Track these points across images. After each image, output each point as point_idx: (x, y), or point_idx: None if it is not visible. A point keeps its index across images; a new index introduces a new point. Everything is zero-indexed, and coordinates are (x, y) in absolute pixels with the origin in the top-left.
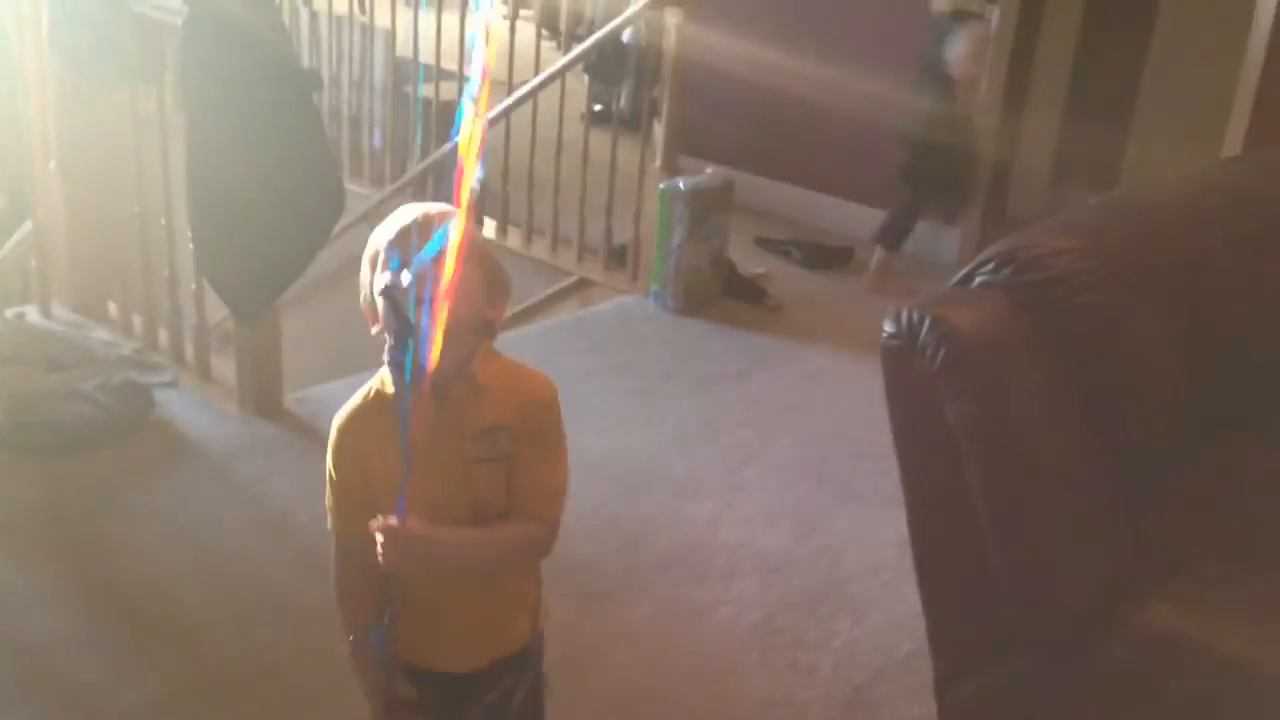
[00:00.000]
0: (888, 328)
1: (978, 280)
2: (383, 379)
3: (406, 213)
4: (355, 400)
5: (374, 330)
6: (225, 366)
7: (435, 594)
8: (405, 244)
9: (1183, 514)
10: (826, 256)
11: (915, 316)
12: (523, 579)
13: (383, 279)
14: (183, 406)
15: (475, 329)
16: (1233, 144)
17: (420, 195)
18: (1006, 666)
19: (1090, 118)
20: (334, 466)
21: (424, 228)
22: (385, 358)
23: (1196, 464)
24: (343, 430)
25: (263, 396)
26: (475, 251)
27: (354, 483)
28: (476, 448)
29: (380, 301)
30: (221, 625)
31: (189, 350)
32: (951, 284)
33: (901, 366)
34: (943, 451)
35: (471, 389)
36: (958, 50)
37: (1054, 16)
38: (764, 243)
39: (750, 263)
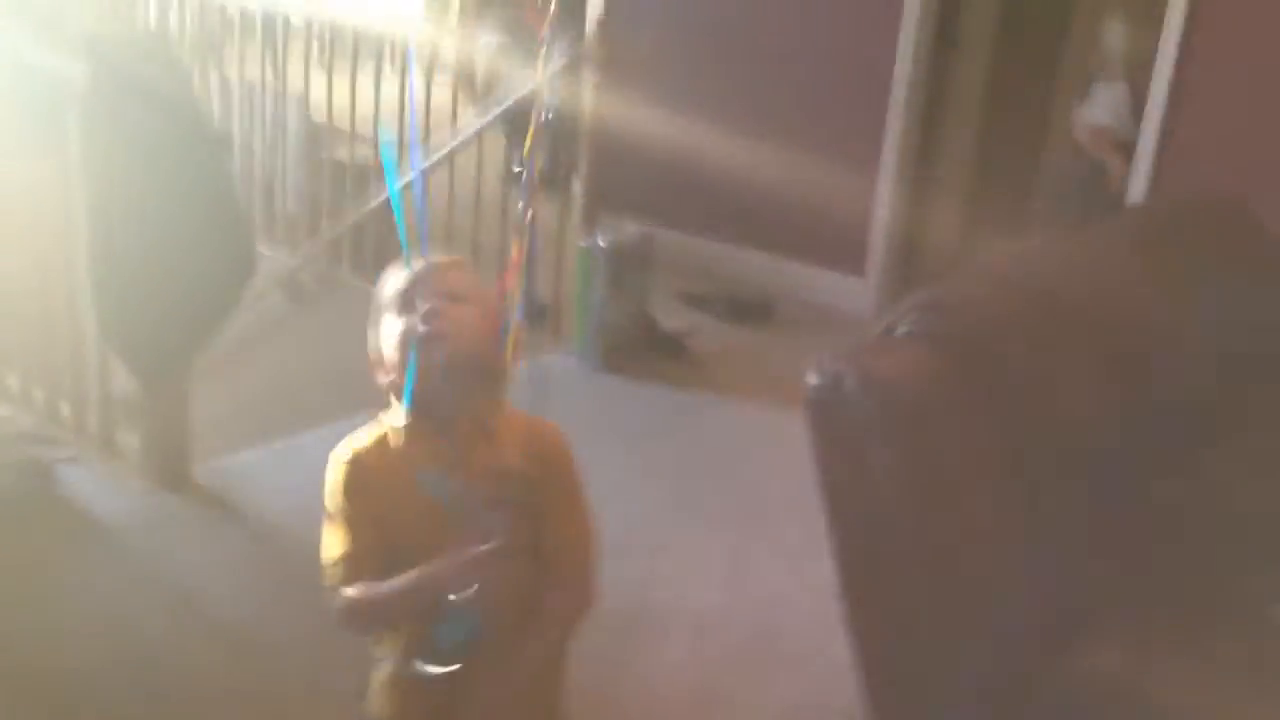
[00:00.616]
0: (812, 379)
1: (901, 330)
2: (389, 427)
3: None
4: (361, 439)
5: (383, 380)
6: (131, 439)
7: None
8: (420, 286)
9: (1118, 558)
10: (747, 310)
11: (839, 367)
12: (554, 684)
13: (401, 325)
14: (86, 482)
15: (483, 371)
16: (1136, 191)
17: (336, 258)
18: (949, 713)
19: (999, 172)
20: (345, 499)
21: (432, 271)
22: (398, 401)
23: (1131, 507)
24: (353, 464)
25: (170, 468)
26: (486, 298)
27: (365, 517)
28: (493, 492)
29: (396, 351)
30: (132, 714)
31: (92, 423)
32: (875, 334)
33: (827, 418)
34: (871, 502)
35: (483, 435)
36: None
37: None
38: (686, 298)
39: (672, 318)
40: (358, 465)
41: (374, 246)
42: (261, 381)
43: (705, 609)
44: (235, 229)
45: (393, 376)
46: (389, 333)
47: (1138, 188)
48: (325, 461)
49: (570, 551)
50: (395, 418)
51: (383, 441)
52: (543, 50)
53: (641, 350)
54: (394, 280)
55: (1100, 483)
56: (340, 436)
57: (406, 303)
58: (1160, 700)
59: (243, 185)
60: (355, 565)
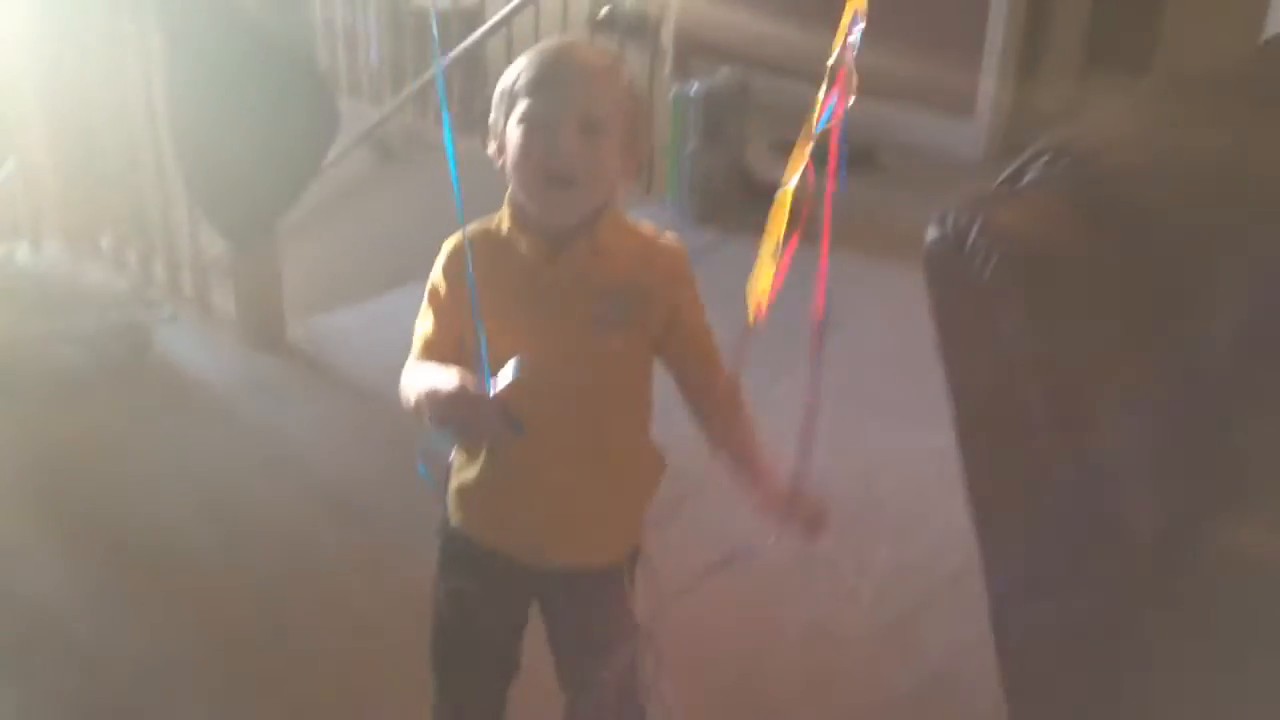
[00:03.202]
0: (932, 232)
1: (1028, 177)
2: (502, 215)
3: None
4: (473, 226)
5: (498, 161)
6: (226, 299)
7: (541, 457)
8: (561, 100)
9: (1260, 433)
10: (848, 157)
11: (963, 219)
12: (648, 471)
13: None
14: (182, 343)
15: (604, 202)
16: (1276, 22)
17: (422, 112)
18: (1073, 594)
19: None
20: (441, 279)
21: (578, 79)
22: (517, 167)
23: (1273, 377)
24: (455, 251)
25: (265, 329)
26: (626, 116)
27: (455, 303)
28: (598, 308)
29: (520, 127)
30: (233, 576)
31: (187, 284)
32: (999, 181)
33: (948, 275)
34: (996, 366)
35: (592, 248)
36: None
37: None
38: (782, 146)
39: (770, 168)
40: (458, 254)
41: (459, 99)
42: (352, 241)
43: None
44: (316, 84)
45: (508, 162)
46: (515, 132)
47: (1278, 18)
48: (415, 320)
49: (708, 344)
50: (510, 205)
51: (495, 229)
52: None
53: (738, 201)
54: (536, 68)
55: (1247, 348)
56: None
57: (542, 116)
58: None
59: (323, 38)
60: (428, 347)
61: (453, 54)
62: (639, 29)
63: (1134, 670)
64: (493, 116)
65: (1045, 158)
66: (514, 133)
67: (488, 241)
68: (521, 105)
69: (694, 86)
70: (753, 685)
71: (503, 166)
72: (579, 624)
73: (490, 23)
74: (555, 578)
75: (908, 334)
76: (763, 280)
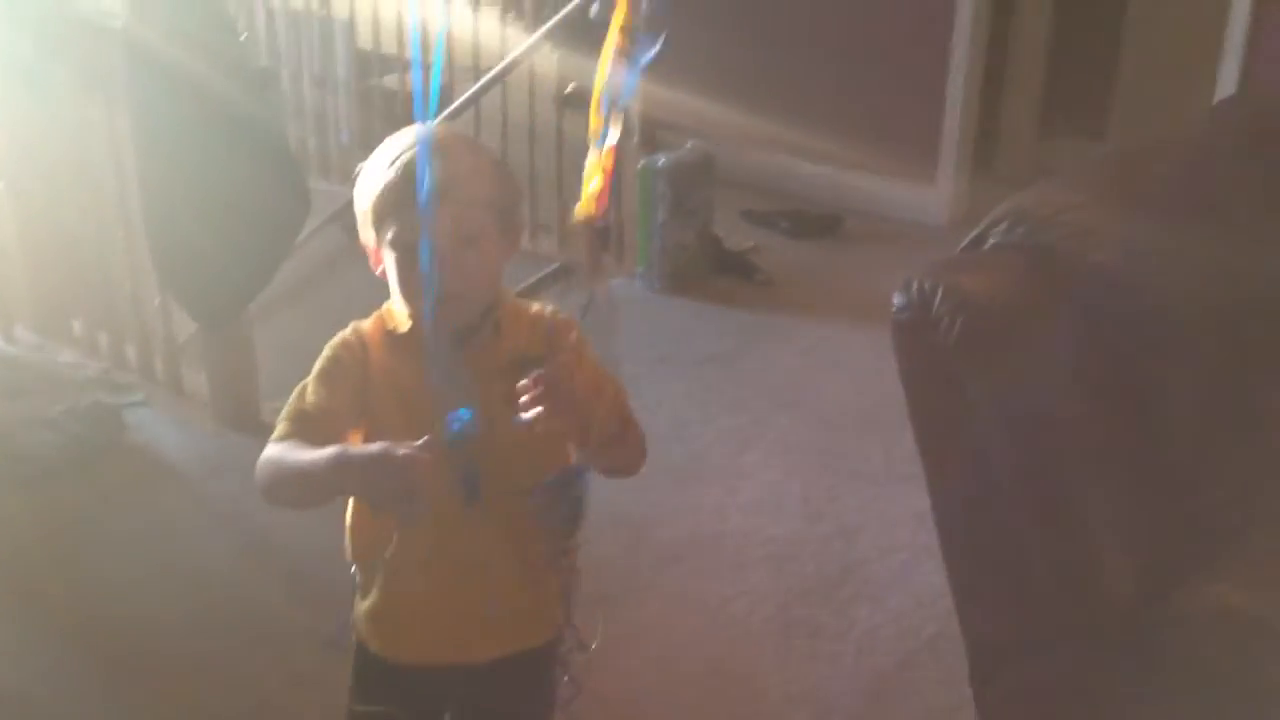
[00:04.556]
0: (897, 300)
1: (990, 242)
2: (383, 317)
3: (390, 153)
4: (362, 325)
5: (377, 270)
6: (198, 381)
7: (460, 543)
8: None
9: (1226, 488)
10: (815, 225)
11: (927, 286)
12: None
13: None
14: (156, 426)
15: (484, 240)
16: (1225, 85)
17: None
18: (1050, 655)
19: (1075, 66)
20: (323, 378)
21: (446, 188)
22: (399, 292)
23: (1238, 432)
24: (343, 346)
25: (239, 410)
26: (495, 186)
27: (344, 388)
28: (505, 388)
29: (393, 253)
30: (210, 659)
31: (159, 366)
32: (961, 248)
33: (915, 341)
34: (966, 428)
35: (493, 329)
36: None
37: None
38: (750, 215)
39: (737, 237)
40: (349, 348)
41: None
42: (324, 318)
43: (783, 538)
44: (286, 165)
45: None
46: (389, 258)
47: (1228, 81)
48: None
49: (615, 395)
50: (396, 306)
51: (392, 331)
52: None
53: (707, 271)
54: (399, 185)
55: (1210, 404)
56: None
57: (414, 242)
58: None
59: (293, 119)
60: (304, 422)
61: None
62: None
63: None
64: (362, 234)
65: (1004, 224)
66: (388, 259)
67: (390, 340)
68: (390, 230)
69: (660, 160)
70: None
71: (377, 268)
72: (505, 713)
73: (458, 102)
74: (481, 674)
75: (880, 397)
76: (591, 179)
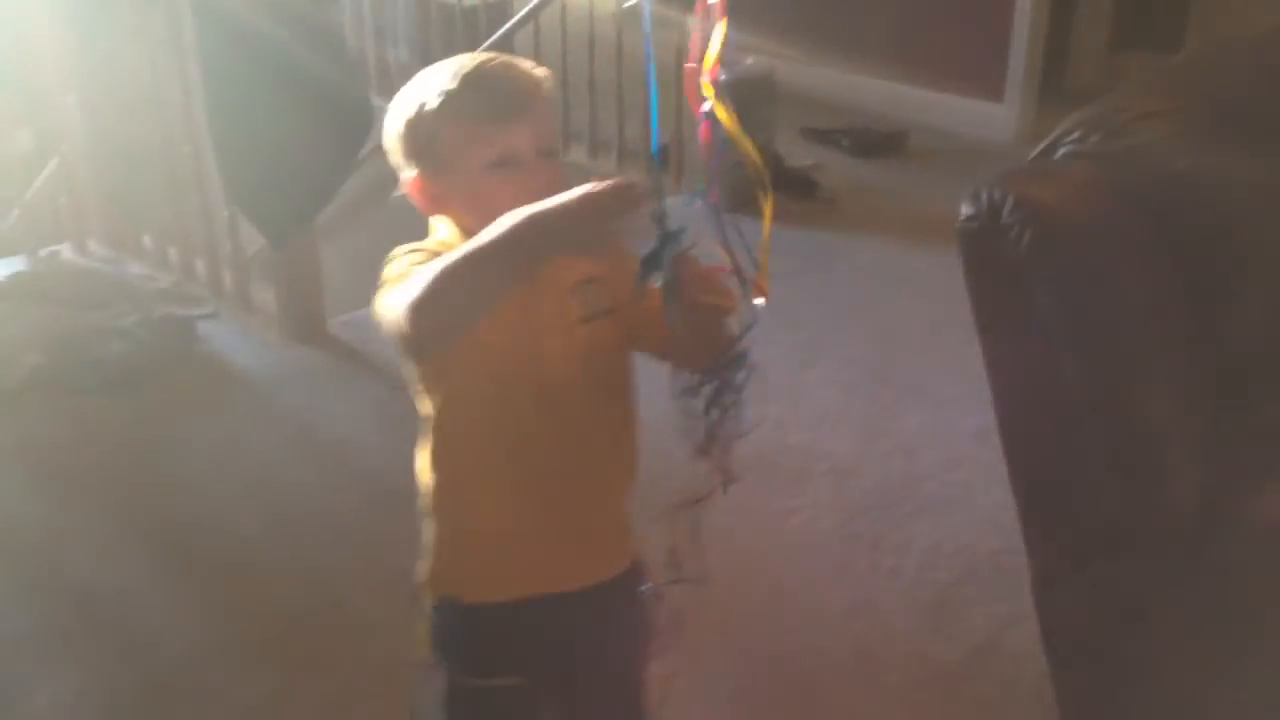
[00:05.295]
0: (965, 209)
1: (1061, 151)
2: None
3: (441, 81)
4: (428, 246)
5: (430, 207)
6: (266, 294)
7: (567, 463)
8: (517, 127)
9: None
10: (878, 143)
11: (996, 195)
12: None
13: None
14: (225, 338)
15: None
16: None
17: None
18: (1111, 566)
19: None
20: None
21: (526, 105)
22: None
23: None
24: (424, 253)
25: (305, 323)
26: (545, 77)
27: None
28: (574, 304)
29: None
30: (280, 560)
31: (227, 280)
32: (1032, 157)
33: (982, 251)
34: (1033, 339)
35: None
36: None
37: None
38: (811, 133)
39: (798, 154)
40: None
41: None
42: (386, 234)
43: (843, 454)
44: (350, 82)
45: (460, 202)
46: (482, 176)
47: None
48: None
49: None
50: (464, 234)
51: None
52: None
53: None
54: (488, 98)
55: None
56: None
57: (511, 155)
58: None
59: (353, 35)
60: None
61: (482, 48)
62: (666, 18)
63: (1176, 639)
64: (419, 144)
65: (1076, 134)
66: (483, 182)
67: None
68: (481, 151)
69: (721, 75)
70: (796, 661)
71: (433, 199)
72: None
73: (519, 16)
74: (575, 605)
75: (942, 316)
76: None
